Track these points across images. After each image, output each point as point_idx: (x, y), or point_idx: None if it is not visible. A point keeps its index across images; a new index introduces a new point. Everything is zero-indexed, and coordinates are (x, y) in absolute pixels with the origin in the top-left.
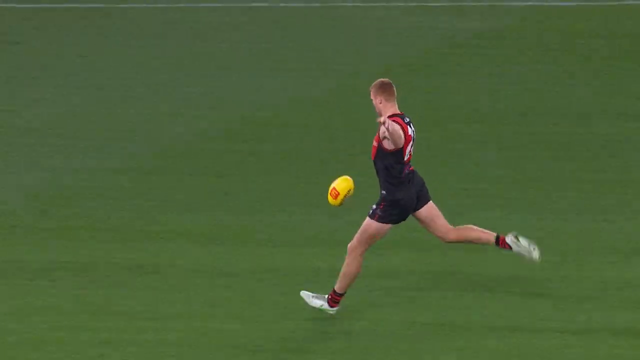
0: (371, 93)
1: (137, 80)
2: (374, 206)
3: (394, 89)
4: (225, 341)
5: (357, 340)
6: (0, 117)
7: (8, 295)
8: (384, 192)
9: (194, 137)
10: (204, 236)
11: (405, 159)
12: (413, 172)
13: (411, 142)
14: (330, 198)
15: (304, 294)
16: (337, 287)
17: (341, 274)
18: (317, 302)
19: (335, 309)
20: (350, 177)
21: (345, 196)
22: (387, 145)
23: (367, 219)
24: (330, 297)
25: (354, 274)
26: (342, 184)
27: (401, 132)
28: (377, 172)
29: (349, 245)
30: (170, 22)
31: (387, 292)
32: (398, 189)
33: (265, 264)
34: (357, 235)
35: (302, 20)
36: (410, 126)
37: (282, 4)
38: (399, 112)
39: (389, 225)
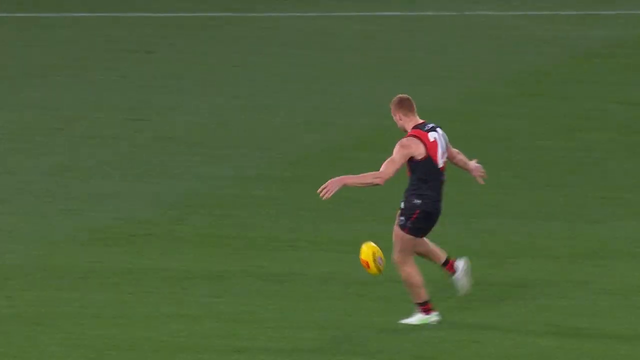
0: (391, 111)
1: (272, 88)
2: (403, 218)
3: (412, 102)
4: (358, 349)
5: (489, 348)
6: (134, 126)
7: (142, 302)
8: (418, 201)
9: (329, 145)
10: (336, 244)
11: (440, 166)
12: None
13: (439, 148)
14: (367, 270)
15: (404, 323)
16: (415, 301)
17: (407, 288)
18: (415, 318)
19: (434, 313)
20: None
21: (375, 261)
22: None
23: (398, 229)
24: (420, 310)
25: (418, 279)
26: (365, 252)
27: (364, 179)
28: (411, 183)
29: (395, 260)
30: (304, 31)
31: (517, 300)
32: (432, 201)
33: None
34: (396, 249)
35: (434, 29)
36: (435, 131)
37: (414, 12)
38: (420, 121)
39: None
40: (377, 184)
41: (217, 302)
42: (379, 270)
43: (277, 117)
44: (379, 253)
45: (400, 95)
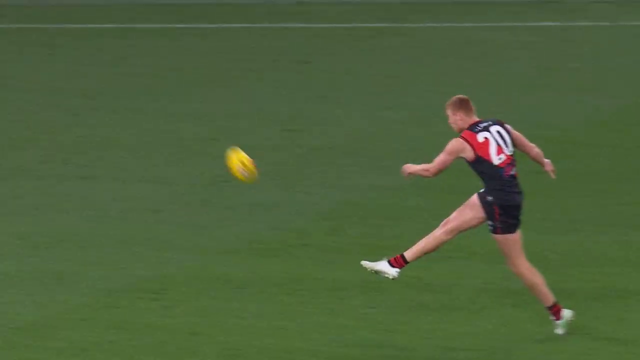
0: (449, 111)
1: (427, 98)
2: (490, 222)
3: (470, 102)
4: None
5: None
6: (289, 136)
7: (298, 312)
8: (490, 198)
9: None
10: (490, 254)
11: (497, 163)
12: (515, 177)
13: (490, 146)
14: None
15: (557, 333)
16: (545, 305)
17: (533, 292)
18: (559, 328)
19: (566, 311)
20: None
21: (239, 166)
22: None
23: (494, 236)
24: (552, 312)
25: (537, 279)
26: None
27: (417, 170)
28: (482, 183)
29: (510, 269)
30: (457, 41)
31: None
32: (504, 193)
33: (555, 283)
34: (506, 259)
35: (591, 39)
36: (487, 130)
37: (571, 23)
38: (474, 121)
39: (517, 232)
40: (426, 177)
41: (372, 312)
42: (244, 169)
43: (433, 127)
44: (241, 162)
45: (459, 95)
